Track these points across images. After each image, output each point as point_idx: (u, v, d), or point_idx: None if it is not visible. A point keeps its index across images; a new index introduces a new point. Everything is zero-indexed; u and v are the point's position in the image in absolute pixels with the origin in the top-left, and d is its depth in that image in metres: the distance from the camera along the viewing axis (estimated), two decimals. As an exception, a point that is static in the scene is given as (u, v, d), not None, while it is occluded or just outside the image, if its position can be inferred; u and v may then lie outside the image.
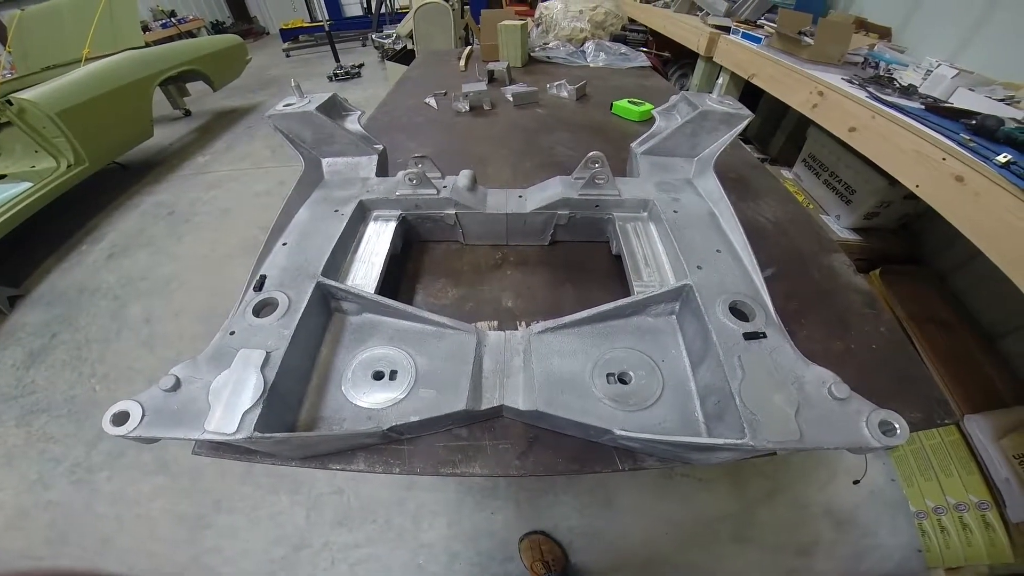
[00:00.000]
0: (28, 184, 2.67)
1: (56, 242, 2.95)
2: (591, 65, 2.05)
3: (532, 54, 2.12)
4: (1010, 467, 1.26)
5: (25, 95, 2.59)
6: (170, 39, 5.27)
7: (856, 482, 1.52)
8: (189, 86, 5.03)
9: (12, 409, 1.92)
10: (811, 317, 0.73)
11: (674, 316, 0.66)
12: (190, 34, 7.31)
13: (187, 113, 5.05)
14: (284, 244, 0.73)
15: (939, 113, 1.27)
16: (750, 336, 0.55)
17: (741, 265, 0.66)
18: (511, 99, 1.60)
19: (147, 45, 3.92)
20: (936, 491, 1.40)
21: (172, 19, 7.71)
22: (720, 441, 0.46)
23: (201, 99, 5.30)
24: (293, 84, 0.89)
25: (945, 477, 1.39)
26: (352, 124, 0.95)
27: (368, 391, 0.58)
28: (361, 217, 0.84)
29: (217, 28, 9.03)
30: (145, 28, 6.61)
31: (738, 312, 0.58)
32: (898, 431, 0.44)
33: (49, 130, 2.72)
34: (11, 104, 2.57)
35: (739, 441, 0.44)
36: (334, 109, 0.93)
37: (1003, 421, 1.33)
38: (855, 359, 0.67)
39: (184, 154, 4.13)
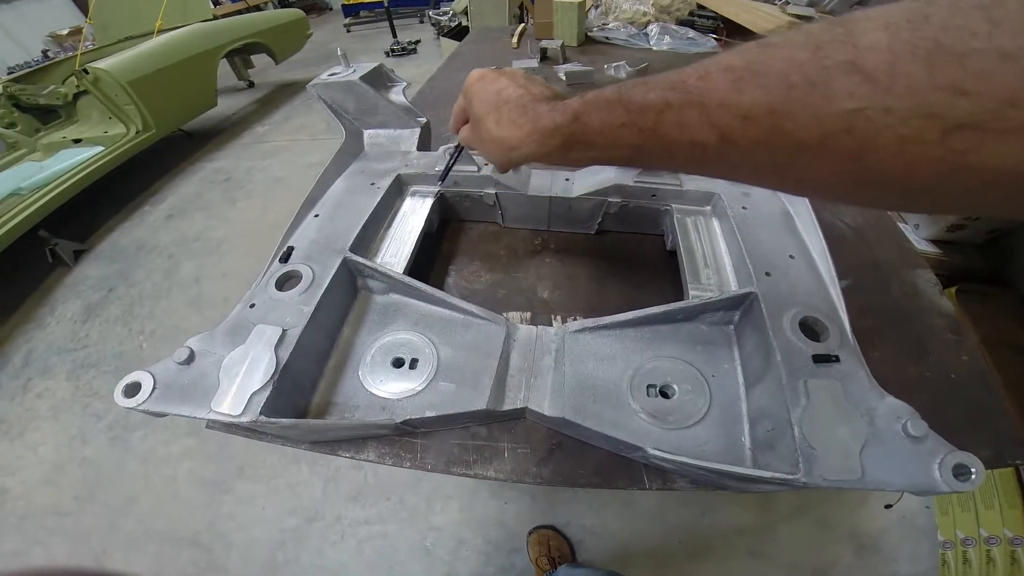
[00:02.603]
0: (100, 148, 2.85)
1: (121, 202, 3.14)
2: (654, 48, 1.91)
3: (589, 34, 2.00)
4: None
5: (100, 64, 2.75)
6: (238, 13, 5.45)
7: (889, 506, 1.40)
8: (253, 58, 5.18)
9: (65, 362, 2.04)
10: (886, 338, 0.63)
11: (732, 327, 0.57)
12: (257, 8, 7.54)
13: (251, 84, 5.21)
14: (316, 216, 0.70)
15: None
16: (820, 359, 0.46)
17: (817, 275, 0.56)
18: (564, 78, 1.51)
19: (215, 18, 4.06)
20: (971, 522, 1.27)
21: (241, -7, 7.97)
22: (767, 474, 0.39)
23: (264, 71, 5.47)
24: (339, 53, 0.86)
25: (985, 509, 1.26)
26: (396, 96, 0.91)
27: (385, 379, 0.54)
28: (398, 192, 0.81)
29: (283, 2, 9.27)
30: (215, 1, 6.87)
31: (809, 330, 0.50)
32: (973, 476, 0.36)
33: (121, 98, 2.87)
34: (87, 73, 2.73)
35: (790, 476, 0.38)
36: (379, 80, 0.89)
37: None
38: (929, 387, 0.58)
39: (244, 123, 4.28)
